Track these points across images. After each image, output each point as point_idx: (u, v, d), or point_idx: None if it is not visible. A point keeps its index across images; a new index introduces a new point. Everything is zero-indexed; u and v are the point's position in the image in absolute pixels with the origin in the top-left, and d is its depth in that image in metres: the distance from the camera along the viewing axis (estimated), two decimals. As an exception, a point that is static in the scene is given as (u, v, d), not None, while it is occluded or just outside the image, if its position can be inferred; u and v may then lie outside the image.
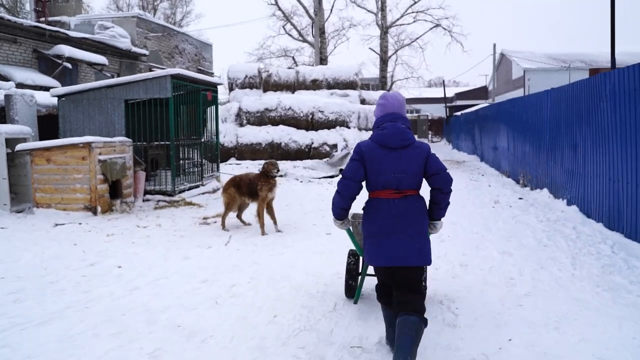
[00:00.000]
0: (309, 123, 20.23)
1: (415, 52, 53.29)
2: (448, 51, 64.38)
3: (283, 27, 38.65)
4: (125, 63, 20.98)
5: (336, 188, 3.79)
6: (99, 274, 5.78)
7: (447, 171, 3.70)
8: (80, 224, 8.40)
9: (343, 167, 17.14)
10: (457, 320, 4.36)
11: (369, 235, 3.61)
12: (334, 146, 19.72)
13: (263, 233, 7.86)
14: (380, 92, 27.19)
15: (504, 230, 7.84)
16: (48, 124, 11.05)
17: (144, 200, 10.25)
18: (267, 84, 24.12)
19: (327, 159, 18.34)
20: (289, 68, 25.59)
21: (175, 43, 25.28)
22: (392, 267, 3.57)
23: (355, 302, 4.83)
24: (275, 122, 20.43)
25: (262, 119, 20.56)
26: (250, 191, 8.03)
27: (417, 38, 38.29)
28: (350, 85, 23.53)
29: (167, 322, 4.38)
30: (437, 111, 56.31)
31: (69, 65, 16.49)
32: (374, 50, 38.58)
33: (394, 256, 3.49)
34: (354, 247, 5.04)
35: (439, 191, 3.68)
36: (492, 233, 7.70)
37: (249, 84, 24.65)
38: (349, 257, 5.02)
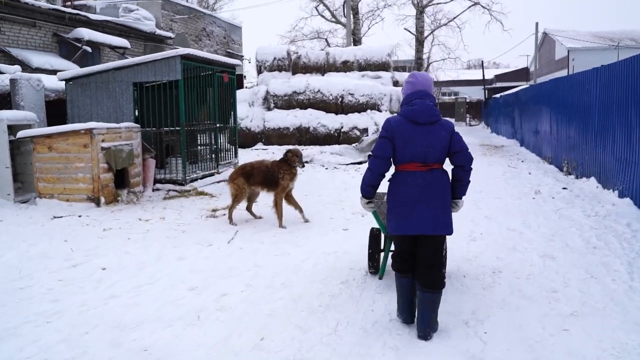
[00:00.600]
0: (339, 106, 19.36)
1: (452, 32, 51.14)
2: (487, 31, 62.09)
3: (315, 8, 37.66)
4: (149, 46, 20.46)
5: (368, 166, 3.92)
6: (79, 277, 5.12)
7: (469, 150, 3.82)
8: (80, 216, 7.82)
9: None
10: (484, 350, 3.49)
11: (396, 204, 3.74)
12: (365, 130, 18.82)
13: (281, 225, 7.17)
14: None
15: (545, 227, 6.87)
16: (58, 110, 10.52)
17: (153, 190, 9.63)
18: (296, 66, 23.32)
19: (356, 144, 17.42)
20: (321, 50, 24.67)
21: (202, 25, 24.67)
22: (417, 236, 3.74)
23: (380, 278, 4.97)
24: (303, 105, 19.65)
25: (290, 102, 19.79)
26: (266, 180, 7.23)
27: (455, 17, 36.74)
28: (382, 66, 22.51)
29: (134, 344, 3.67)
30: (476, 94, 54.41)
31: (88, 49, 16.03)
32: (409, 31, 37.25)
33: (420, 225, 3.63)
34: (377, 226, 5.18)
35: (462, 168, 3.83)
36: (532, 230, 6.74)
37: (277, 67, 23.92)
38: (371, 234, 5.14)
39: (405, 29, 37.74)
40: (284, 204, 7.30)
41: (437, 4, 36.27)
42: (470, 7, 35.33)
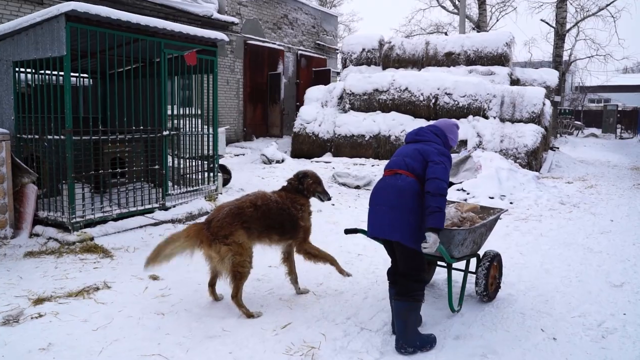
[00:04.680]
0: (431, 110, 14.65)
1: (603, 23, 42.55)
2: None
3: (435, -3, 32.83)
4: (208, 33, 17.16)
5: None
6: None
7: (442, 180, 3.53)
8: None
9: (458, 177, 11.42)
10: None
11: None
12: (463, 143, 13.92)
13: (343, 272, 4.59)
14: (546, 70, 20.22)
15: None
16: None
17: (31, 235, 5.88)
18: (388, 59, 18.87)
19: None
20: (422, 38, 19.90)
21: (283, 12, 21.04)
22: (390, 242, 3.73)
23: None
24: (386, 107, 15.27)
25: (370, 102, 15.50)
26: (283, 224, 4.36)
27: (608, 4, 29.56)
28: (497, 59, 17.29)
29: None
30: (632, 101, 45.57)
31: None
32: (546, 23, 30.70)
33: (376, 226, 3.69)
34: None
35: (427, 193, 3.52)
36: None
37: (366, 59, 19.66)
38: None
39: (542, 20, 31.23)
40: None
41: (586, -12, 29.46)
42: (629, -10, 28.10)
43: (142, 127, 6.50)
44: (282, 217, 4.34)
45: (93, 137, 5.95)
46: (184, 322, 3.86)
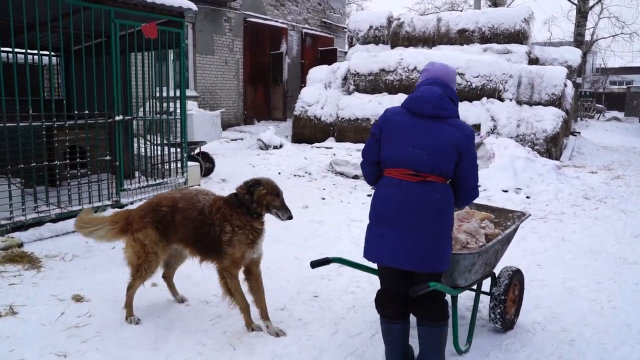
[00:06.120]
0: (441, 91, 13.43)
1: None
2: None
3: (450, -27, 31.30)
4: (204, 10, 16.11)
5: None
6: None
7: (477, 188, 2.83)
8: None
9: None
10: None
11: (371, 220, 2.88)
12: (476, 127, 12.79)
13: (250, 325, 3.45)
14: (567, 48, 18.94)
15: None
16: None
17: (-47, 240, 4.97)
18: (397, 37, 17.64)
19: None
20: (433, 14, 18.61)
21: (287, -13, 19.90)
22: (399, 271, 2.78)
23: None
24: (393, 88, 14.19)
25: (376, 83, 14.41)
26: (198, 238, 3.43)
27: (634, -20, 27.88)
28: (514, 36, 15.99)
29: None
30: (657, 82, 43.63)
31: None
32: (568, -1, 29.07)
33: (391, 254, 2.71)
34: None
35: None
36: None
37: (374, 38, 18.45)
38: None
39: (563, -4, 29.60)
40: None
41: (610, -38, 27.77)
42: (657, -36, 26.42)
43: (87, 112, 5.49)
44: (198, 234, 3.41)
45: (22, 124, 4.96)
46: (86, 371, 2.91)
